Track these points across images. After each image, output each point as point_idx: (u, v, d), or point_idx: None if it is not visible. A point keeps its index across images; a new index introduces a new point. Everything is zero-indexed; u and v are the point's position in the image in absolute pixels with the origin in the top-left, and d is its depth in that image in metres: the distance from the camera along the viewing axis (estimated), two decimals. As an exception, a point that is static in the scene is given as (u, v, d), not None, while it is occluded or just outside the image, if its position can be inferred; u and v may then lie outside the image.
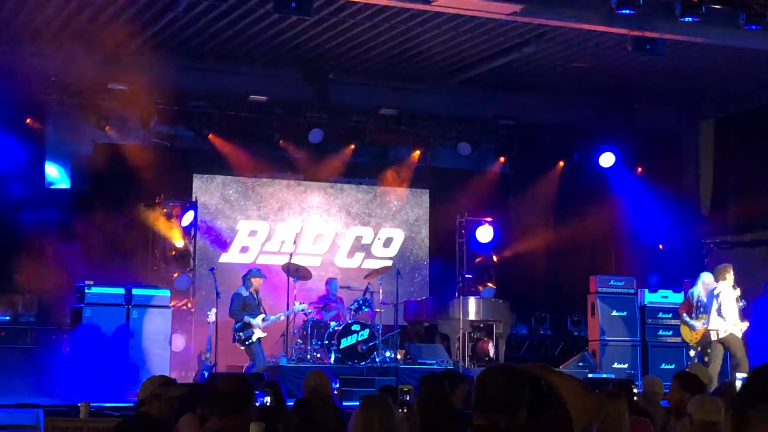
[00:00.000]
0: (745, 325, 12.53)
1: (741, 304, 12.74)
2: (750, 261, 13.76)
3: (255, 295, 13.43)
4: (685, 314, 13.01)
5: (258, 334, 13.19)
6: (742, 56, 14.23)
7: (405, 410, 5.29)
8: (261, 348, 13.28)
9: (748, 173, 16.42)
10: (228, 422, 4.81)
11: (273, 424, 5.55)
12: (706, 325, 12.80)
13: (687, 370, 10.75)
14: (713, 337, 12.46)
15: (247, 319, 13.18)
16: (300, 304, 13.86)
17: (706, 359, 12.70)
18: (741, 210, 16.58)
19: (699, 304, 12.91)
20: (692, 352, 13.02)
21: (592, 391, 3.72)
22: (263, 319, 13.27)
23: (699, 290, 12.96)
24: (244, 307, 13.28)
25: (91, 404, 7.08)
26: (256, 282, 13.44)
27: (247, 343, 13.18)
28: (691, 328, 12.89)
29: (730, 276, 12.60)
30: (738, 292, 12.57)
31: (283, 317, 13.79)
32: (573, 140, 17.23)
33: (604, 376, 13.68)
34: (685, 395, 5.97)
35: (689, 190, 17.46)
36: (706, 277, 13.03)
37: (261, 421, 4.58)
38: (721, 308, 12.38)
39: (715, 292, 12.47)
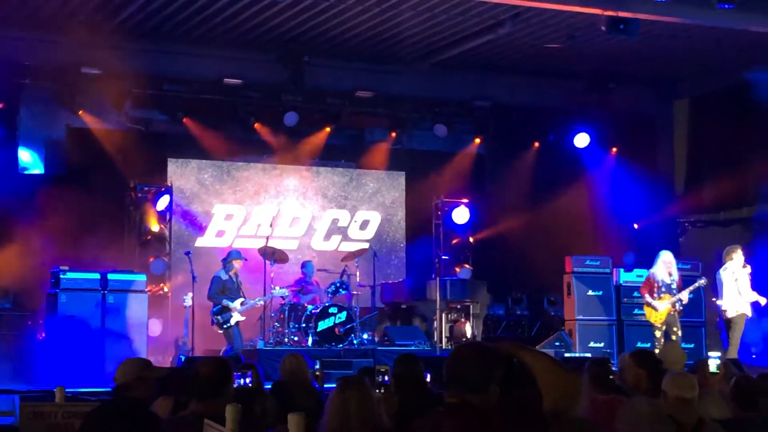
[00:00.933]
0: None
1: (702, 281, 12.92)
2: (724, 240, 13.84)
3: (234, 279, 13.42)
4: (647, 295, 13.08)
5: (236, 318, 13.18)
6: (715, 36, 14.29)
7: (382, 391, 5.31)
8: (239, 331, 13.28)
9: (722, 152, 16.51)
10: (208, 406, 4.83)
11: (250, 407, 5.56)
12: (669, 306, 12.91)
13: (658, 350, 10.87)
14: (731, 314, 12.48)
15: (225, 302, 13.16)
16: (279, 288, 13.84)
17: (673, 338, 12.80)
18: (715, 189, 16.68)
19: (661, 284, 12.99)
20: (658, 333, 13.06)
21: (563, 368, 3.74)
22: (242, 303, 13.26)
23: (659, 270, 13.04)
24: (223, 290, 13.26)
25: (67, 389, 7.04)
26: (237, 264, 13.42)
27: (224, 326, 13.17)
28: (655, 308, 12.98)
29: (737, 255, 12.65)
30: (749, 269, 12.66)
31: (261, 302, 13.79)
32: (548, 121, 17.26)
33: (580, 355, 13.78)
34: (641, 372, 6.04)
35: (664, 169, 17.56)
36: (665, 256, 13.12)
37: (238, 403, 4.59)
38: (740, 287, 12.45)
39: (733, 274, 12.51)
